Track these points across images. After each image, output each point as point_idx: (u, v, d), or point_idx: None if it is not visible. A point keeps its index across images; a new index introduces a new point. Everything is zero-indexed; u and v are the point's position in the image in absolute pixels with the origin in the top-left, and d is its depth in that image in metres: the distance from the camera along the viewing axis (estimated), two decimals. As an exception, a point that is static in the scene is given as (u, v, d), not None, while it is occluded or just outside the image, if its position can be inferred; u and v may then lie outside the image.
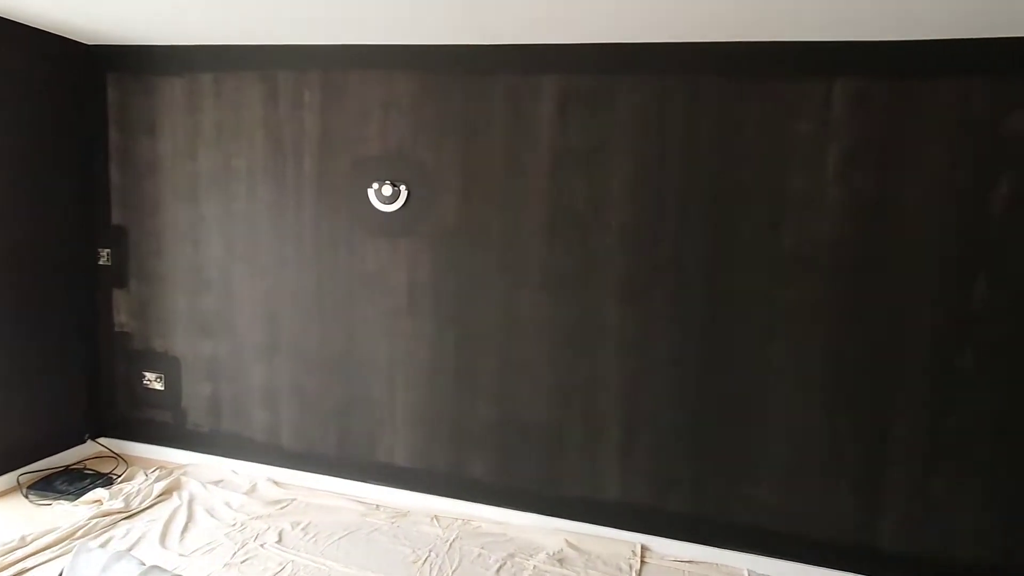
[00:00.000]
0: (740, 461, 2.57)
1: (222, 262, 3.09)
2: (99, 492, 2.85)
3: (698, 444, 2.61)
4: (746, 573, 2.55)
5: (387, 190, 2.80)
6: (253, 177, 3.00)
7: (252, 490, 3.02)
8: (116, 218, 3.21)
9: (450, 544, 2.65)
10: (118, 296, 3.27)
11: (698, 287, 2.53)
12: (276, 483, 3.08)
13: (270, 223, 3.00)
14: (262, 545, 2.56)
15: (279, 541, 2.59)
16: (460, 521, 2.84)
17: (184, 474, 3.11)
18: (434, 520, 2.84)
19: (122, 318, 3.28)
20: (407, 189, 2.80)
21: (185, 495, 2.92)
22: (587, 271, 2.64)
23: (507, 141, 2.66)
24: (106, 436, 3.36)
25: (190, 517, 2.74)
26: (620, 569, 2.53)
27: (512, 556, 2.58)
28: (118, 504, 2.76)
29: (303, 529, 2.70)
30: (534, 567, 2.51)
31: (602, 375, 2.68)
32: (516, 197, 2.68)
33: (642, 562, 2.59)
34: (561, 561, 2.56)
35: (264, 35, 2.77)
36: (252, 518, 2.76)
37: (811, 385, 2.46)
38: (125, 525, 2.65)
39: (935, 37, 2.18)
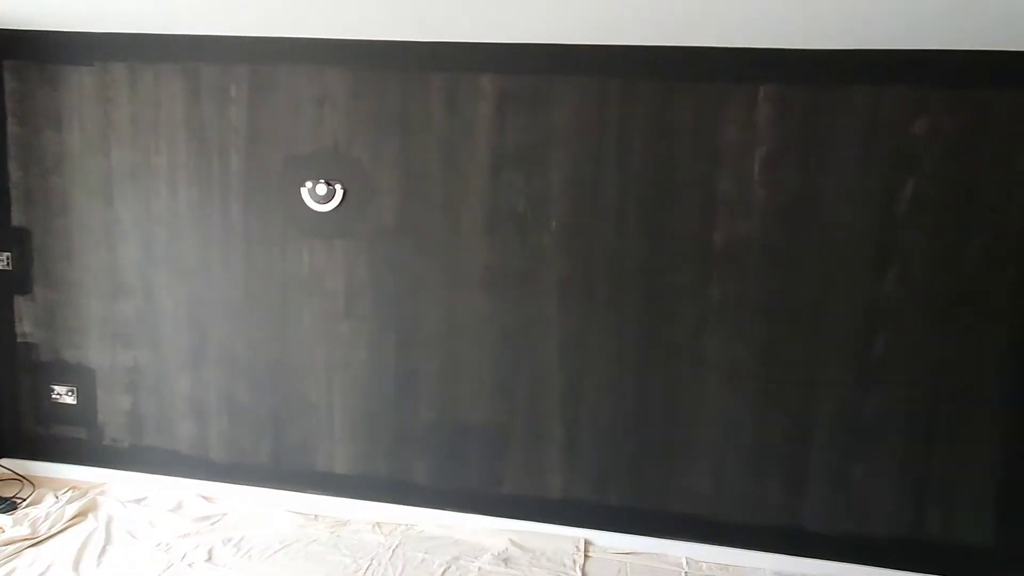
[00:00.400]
0: (676, 453, 2.66)
1: (141, 266, 2.89)
2: (0, 519, 2.60)
3: (637, 438, 2.67)
4: (684, 562, 2.64)
5: (321, 189, 2.70)
6: (174, 175, 2.82)
7: (178, 507, 2.84)
8: (17, 219, 2.94)
9: (393, 551, 2.60)
10: (20, 304, 2.99)
11: (635, 285, 2.59)
12: (205, 498, 2.92)
13: (195, 224, 2.84)
14: (190, 565, 2.41)
15: (209, 559, 2.46)
16: (403, 527, 2.79)
17: (101, 494, 2.89)
18: (376, 527, 2.77)
19: (25, 327, 3.01)
20: (343, 188, 2.71)
21: (102, 516, 2.71)
22: (527, 270, 2.65)
23: (445, 140, 2.64)
24: (9, 457, 3.08)
25: (108, 540, 2.55)
26: (564, 565, 2.55)
27: (457, 559, 2.55)
28: (23, 530, 2.53)
29: (235, 545, 2.57)
30: (479, 568, 2.49)
31: (544, 373, 2.70)
32: (455, 196, 2.66)
33: (586, 556, 2.63)
34: (506, 561, 2.56)
35: (185, 24, 2.61)
36: (179, 537, 2.60)
37: (741, 377, 2.57)
38: (31, 553, 2.43)
39: (848, 47, 2.32)
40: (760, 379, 2.56)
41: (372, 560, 2.52)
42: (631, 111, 2.50)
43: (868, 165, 2.39)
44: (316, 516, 2.84)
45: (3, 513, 2.65)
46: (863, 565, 2.57)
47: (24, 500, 2.81)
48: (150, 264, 2.88)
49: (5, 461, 3.06)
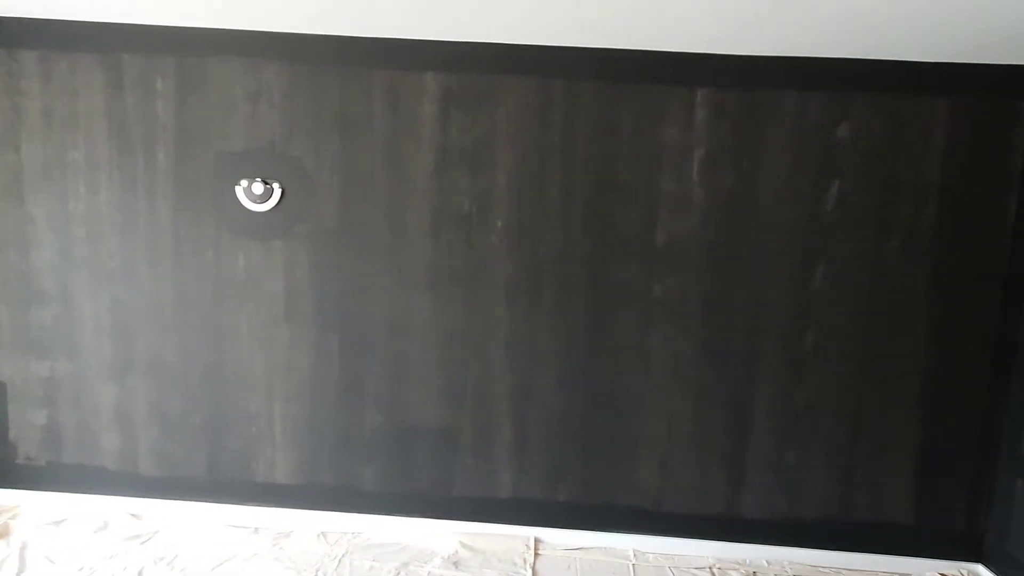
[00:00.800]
0: (622, 448, 2.71)
1: (58, 269, 2.69)
2: None
3: (585, 435, 2.71)
4: (632, 554, 2.69)
5: (258, 188, 2.59)
6: (95, 173, 2.64)
7: (104, 527, 2.66)
8: (-89, 219, 2.68)
9: (339, 561, 2.53)
10: (-84, 313, 2.73)
11: (581, 283, 2.62)
12: (134, 516, 2.75)
13: (118, 224, 2.66)
14: (119, 588, 2.27)
15: (140, 581, 2.32)
16: (350, 535, 2.72)
17: (13, 517, 2.67)
18: (321, 537, 2.69)
19: (-77, 339, 2.74)
20: (281, 187, 2.61)
21: (15, 542, 2.51)
22: (474, 270, 2.64)
23: (389, 138, 2.58)
24: (-96, 482, 2.80)
25: (22, 567, 2.36)
26: (515, 564, 2.56)
27: (406, 565, 2.51)
28: (-76, 562, 2.31)
29: (169, 564, 2.43)
30: (428, 573, 2.46)
31: (492, 373, 2.69)
32: (399, 196, 2.61)
33: (536, 554, 2.64)
34: (456, 564, 2.53)
35: (104, 11, 2.44)
36: (104, 559, 2.44)
37: (683, 372, 2.65)
38: (-65, 586, 2.22)
39: (778, 55, 2.43)
40: (701, 373, 2.65)
41: (317, 571, 2.44)
42: (574, 112, 2.53)
43: (797, 167, 2.51)
44: (257, 529, 2.73)
45: (-102, 544, 2.41)
46: (797, 547, 2.70)
47: (-77, 528, 2.57)
48: (68, 267, 2.68)
49: (-100, 487, 2.78)
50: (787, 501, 2.69)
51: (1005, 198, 2.47)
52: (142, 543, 2.57)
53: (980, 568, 2.65)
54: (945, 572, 2.64)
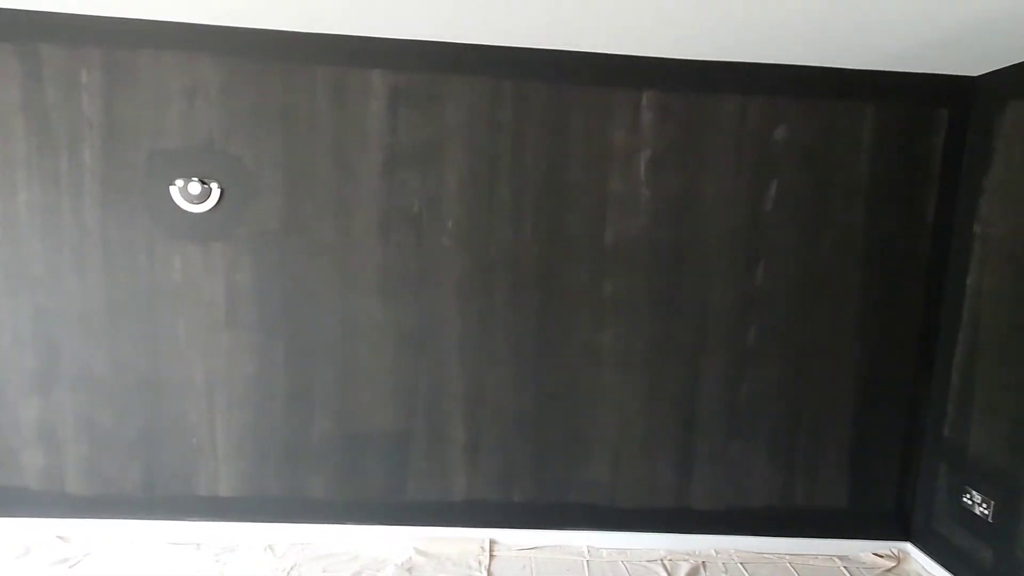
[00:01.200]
0: (576, 445, 2.74)
1: (-30, 276, 2.49)
2: None
3: (538, 434, 2.72)
4: (586, 550, 2.72)
5: (195, 188, 2.47)
6: (11, 172, 2.45)
7: (27, 553, 2.48)
8: None
9: (287, 573, 2.44)
10: None
11: (532, 283, 2.63)
12: (62, 538, 2.57)
13: (39, 227, 2.48)
14: (45, 617, 2.12)
15: (69, 608, 2.17)
16: (299, 546, 2.63)
17: (-77, 546, 2.45)
18: (268, 550, 2.59)
19: None
20: (220, 187, 2.50)
21: (-74, 573, 2.30)
22: (424, 271, 2.61)
23: (335, 137, 2.52)
24: None
25: (-65, 600, 2.18)
26: (470, 567, 2.54)
27: (359, 574, 2.46)
28: None
29: (102, 588, 2.29)
30: (383, 581, 2.42)
31: (445, 375, 2.67)
32: (347, 196, 2.55)
33: (491, 556, 2.63)
34: (410, 570, 2.50)
35: (20, -2, 2.28)
36: (29, 586, 2.27)
37: (633, 369, 2.70)
38: None
39: (718, 59, 2.51)
40: (650, 370, 2.70)
41: (265, 586, 2.35)
42: (524, 112, 2.54)
43: (738, 168, 2.60)
44: (199, 545, 2.61)
45: None
46: (742, 535, 2.80)
47: None
48: (-18, 274, 2.49)
49: None
50: (733, 491, 2.79)
51: (925, 197, 2.64)
52: (71, 567, 2.41)
53: (908, 546, 2.81)
54: (878, 551, 2.80)
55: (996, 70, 2.46)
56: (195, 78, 2.45)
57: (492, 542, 2.72)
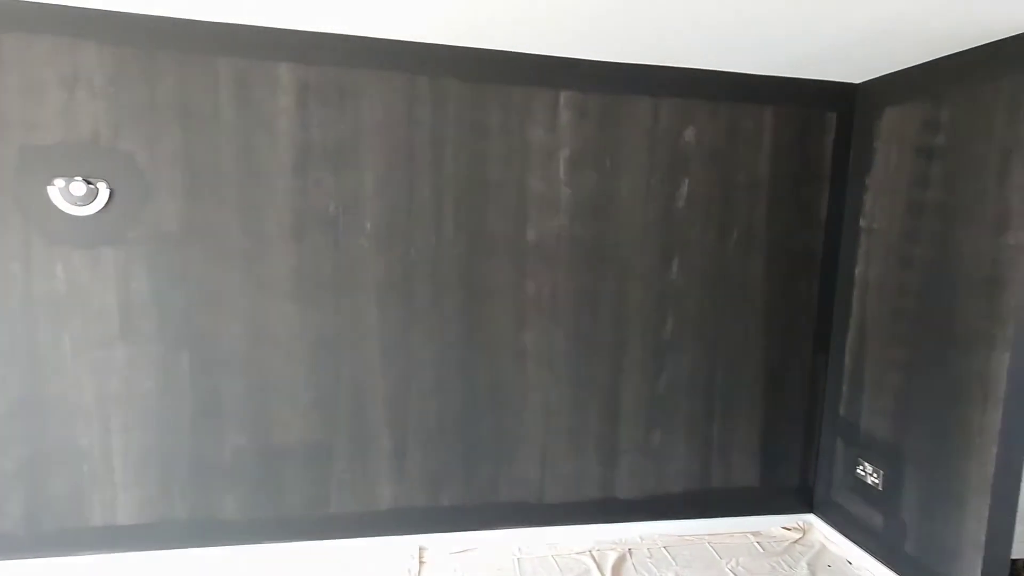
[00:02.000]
0: (503, 445, 2.73)
1: None
2: None
3: (465, 436, 2.69)
4: (517, 549, 2.73)
5: (79, 188, 2.24)
6: None
7: None
8: None
9: (201, 602, 2.27)
10: None
11: (454, 283, 2.59)
12: (-76, 589, 2.26)
13: None
14: None
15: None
16: (211, 572, 2.46)
17: None
18: (177, 579, 2.40)
19: None
20: (109, 188, 2.28)
21: None
22: (342, 274, 2.51)
23: (239, 133, 2.36)
24: None
25: None
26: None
27: (280, 596, 2.33)
28: None
29: (-23, 640, 2.02)
30: (307, 601, 2.30)
31: (367, 382, 2.58)
32: (256, 197, 2.40)
33: (421, 563, 2.58)
34: (337, 586, 2.40)
35: None
36: None
37: (557, 365, 2.73)
38: None
39: (633, 62, 2.59)
40: (574, 365, 2.74)
41: (174, 619, 2.18)
42: (443, 110, 2.49)
43: (652, 167, 2.69)
44: (95, 581, 2.37)
45: None
46: (666, 520, 2.91)
47: None
48: None
49: None
50: (655, 479, 2.89)
51: (818, 195, 2.85)
52: (-63, 620, 2.11)
53: (812, 517, 3.04)
54: (785, 525, 3.00)
55: (873, 79, 2.70)
56: (75, 66, 2.22)
57: (421, 549, 2.66)
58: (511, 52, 2.50)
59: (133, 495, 2.44)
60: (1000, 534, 2.13)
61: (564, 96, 2.57)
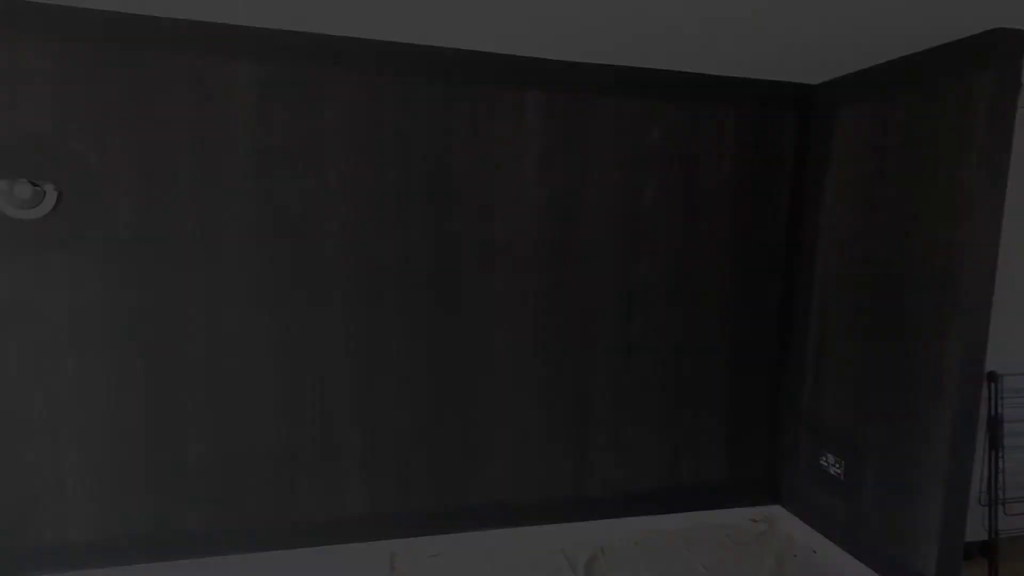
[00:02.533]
0: (474, 447, 2.71)
1: None
2: None
3: (435, 439, 2.66)
4: (490, 551, 2.71)
5: (23, 191, 2.13)
6: None
7: None
8: None
9: (162, 620, 2.19)
10: None
11: (422, 284, 2.56)
12: None
13: None
14: None
15: None
16: (173, 588, 2.37)
17: None
18: (136, 597, 2.31)
19: None
20: (56, 190, 2.18)
21: None
22: (307, 277, 2.45)
23: (198, 134, 2.28)
24: None
25: None
26: (370, 584, 2.43)
27: (246, 609, 2.26)
28: None
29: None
30: (274, 613, 2.24)
31: (334, 386, 2.53)
32: (215, 200, 2.33)
33: (392, 568, 2.54)
34: (305, 596, 2.34)
35: None
36: None
37: (526, 364, 2.72)
38: None
39: (600, 62, 2.59)
40: (545, 363, 2.74)
41: (134, 638, 2.09)
42: (407, 110, 2.46)
43: (618, 167, 2.71)
44: (47, 602, 2.26)
45: None
46: (636, 516, 2.93)
47: None
48: None
49: None
50: (626, 476, 2.91)
51: (780, 194, 2.92)
52: None
53: (779, 508, 3.11)
54: (753, 516, 3.06)
55: (829, 80, 2.78)
56: (13, 61, 2.11)
57: (393, 555, 2.62)
58: (476, 51, 2.48)
59: (85, 510, 2.34)
60: (954, 520, 2.21)
61: (531, 96, 2.57)
